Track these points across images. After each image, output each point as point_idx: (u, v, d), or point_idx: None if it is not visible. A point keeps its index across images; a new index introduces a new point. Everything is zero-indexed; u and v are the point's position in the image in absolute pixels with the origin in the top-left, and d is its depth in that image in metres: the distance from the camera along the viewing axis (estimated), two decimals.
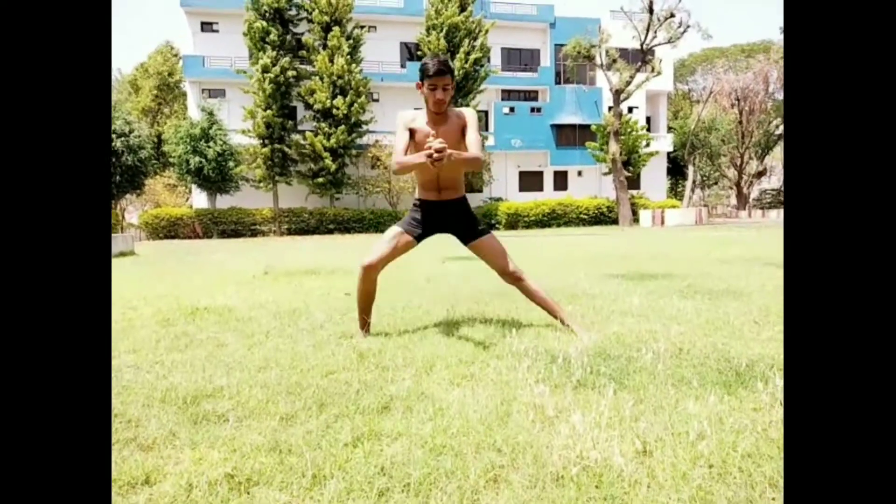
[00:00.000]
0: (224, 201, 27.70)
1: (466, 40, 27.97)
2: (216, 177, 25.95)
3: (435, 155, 2.32)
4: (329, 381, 2.12)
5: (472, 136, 2.72)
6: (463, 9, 28.22)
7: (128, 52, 71.83)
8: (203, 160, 25.42)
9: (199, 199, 29.04)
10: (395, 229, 2.93)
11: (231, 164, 26.11)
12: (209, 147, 25.48)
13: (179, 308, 4.00)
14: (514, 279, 2.92)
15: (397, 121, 2.81)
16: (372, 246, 2.95)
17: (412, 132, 2.75)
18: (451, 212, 2.94)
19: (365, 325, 2.98)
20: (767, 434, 1.54)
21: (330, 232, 27.06)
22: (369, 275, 2.88)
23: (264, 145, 26.69)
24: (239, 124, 27.42)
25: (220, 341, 2.91)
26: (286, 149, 27.02)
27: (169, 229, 25.93)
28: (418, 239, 2.95)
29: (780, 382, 1.82)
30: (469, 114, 2.79)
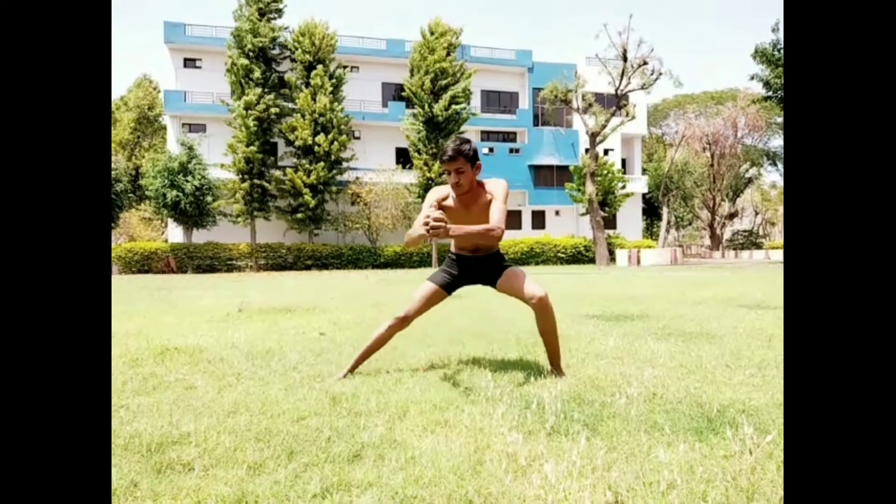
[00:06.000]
0: (200, 236, 27.38)
1: (449, 83, 28.62)
2: (193, 211, 25.72)
3: (432, 224, 2.36)
4: (300, 428, 2.07)
5: (494, 207, 2.74)
6: (448, 53, 28.98)
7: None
8: (180, 194, 25.22)
9: (175, 234, 28.67)
10: (430, 286, 2.94)
11: (209, 198, 25.94)
12: (187, 181, 25.33)
13: (149, 347, 3.91)
14: (541, 305, 2.77)
15: (427, 196, 2.88)
16: (410, 298, 2.96)
17: (442, 207, 2.80)
18: (486, 266, 2.94)
19: (355, 368, 2.96)
20: (737, 483, 1.55)
21: (308, 268, 26.83)
22: (399, 327, 2.92)
23: (244, 180, 26.63)
24: (219, 159, 27.37)
25: (189, 384, 2.84)
26: (266, 184, 27.00)
27: (142, 263, 25.45)
28: (451, 292, 2.99)
29: (749, 429, 1.84)
30: (497, 187, 2.81)
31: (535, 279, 2.94)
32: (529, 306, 2.84)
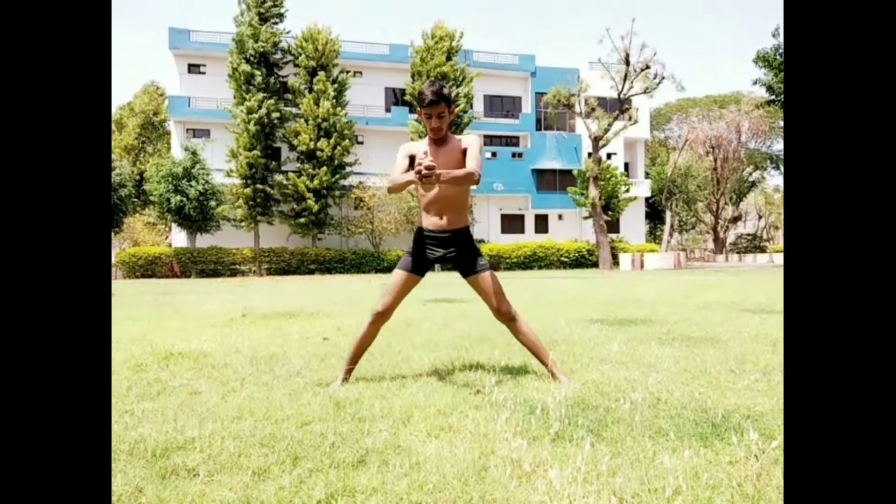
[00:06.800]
0: (204, 240, 27.45)
1: (451, 87, 28.73)
2: (197, 216, 25.80)
3: (423, 171, 2.33)
4: (304, 433, 2.07)
5: (471, 154, 2.75)
6: (448, 58, 29.05)
7: (113, 92, 72.19)
8: (184, 199, 25.30)
9: (179, 238, 28.75)
10: (401, 274, 2.91)
11: (213, 203, 26.02)
12: (191, 186, 25.42)
13: (153, 353, 3.91)
14: (506, 318, 2.89)
15: (400, 150, 2.87)
16: (383, 292, 2.95)
17: (412, 158, 2.78)
18: (453, 243, 2.90)
19: (350, 372, 2.95)
20: (742, 489, 1.55)
21: (311, 272, 26.86)
22: (379, 322, 2.92)
23: (247, 185, 26.71)
24: (223, 164, 27.47)
25: (193, 389, 2.84)
26: (269, 189, 27.07)
27: (146, 268, 25.52)
28: (423, 273, 2.97)
29: (754, 435, 1.83)
30: (471, 139, 2.82)
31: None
32: (496, 319, 2.92)
